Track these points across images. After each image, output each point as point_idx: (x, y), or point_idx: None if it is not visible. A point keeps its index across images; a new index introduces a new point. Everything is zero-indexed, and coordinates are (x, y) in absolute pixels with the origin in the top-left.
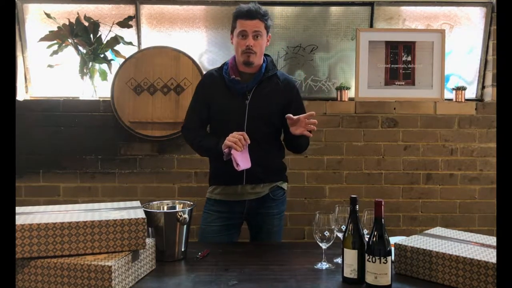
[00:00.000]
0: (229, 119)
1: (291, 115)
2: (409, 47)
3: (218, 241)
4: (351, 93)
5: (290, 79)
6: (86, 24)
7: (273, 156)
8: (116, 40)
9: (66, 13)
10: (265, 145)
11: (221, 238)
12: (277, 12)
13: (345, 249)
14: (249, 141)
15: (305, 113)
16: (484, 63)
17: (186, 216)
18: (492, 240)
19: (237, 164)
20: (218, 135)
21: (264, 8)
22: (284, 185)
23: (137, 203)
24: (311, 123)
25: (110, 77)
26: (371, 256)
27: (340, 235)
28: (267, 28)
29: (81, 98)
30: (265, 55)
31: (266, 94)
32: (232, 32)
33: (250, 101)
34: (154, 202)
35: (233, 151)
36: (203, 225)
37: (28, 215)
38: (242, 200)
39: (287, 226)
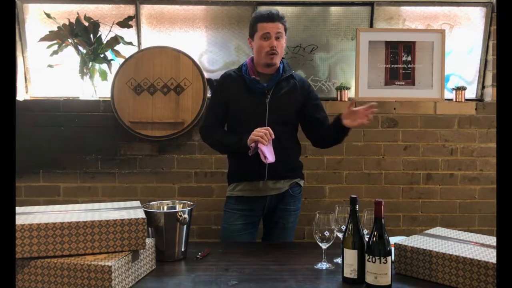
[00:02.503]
0: (250, 118)
1: (352, 108)
2: (409, 47)
3: (241, 239)
4: (351, 93)
5: (305, 79)
6: (86, 24)
7: (293, 153)
8: (116, 40)
9: (66, 13)
10: (285, 142)
11: (245, 236)
12: None
13: (345, 249)
14: (273, 136)
15: (323, 107)
16: (484, 63)
17: (186, 216)
18: (492, 240)
19: (265, 157)
20: (239, 133)
21: (281, 12)
22: (302, 183)
23: (137, 203)
24: (372, 111)
25: (110, 77)
26: (371, 256)
27: (340, 235)
28: (285, 30)
29: (81, 98)
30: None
31: (285, 93)
32: (251, 36)
33: (270, 100)
34: (154, 202)
35: (260, 145)
36: (225, 224)
37: (28, 215)
38: (263, 196)
39: None
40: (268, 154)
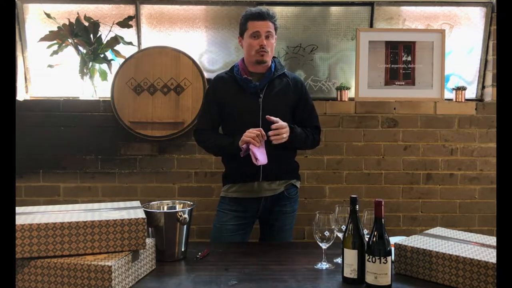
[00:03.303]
0: (244, 118)
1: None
2: (409, 47)
3: (233, 240)
4: (351, 93)
5: (298, 77)
6: (86, 24)
7: (288, 154)
8: (116, 40)
9: (66, 13)
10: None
11: (236, 237)
12: (277, 12)
13: (345, 249)
14: (265, 137)
15: (312, 109)
16: (484, 63)
17: (186, 216)
18: (492, 240)
19: (256, 159)
20: (232, 134)
21: (271, 11)
22: (298, 184)
23: (137, 203)
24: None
25: (110, 77)
26: (371, 256)
27: (340, 235)
28: (275, 29)
29: (81, 98)
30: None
31: (278, 92)
32: (241, 35)
33: (264, 99)
34: (154, 202)
35: (251, 147)
36: (217, 224)
37: (28, 215)
38: (258, 197)
39: None
40: (260, 156)
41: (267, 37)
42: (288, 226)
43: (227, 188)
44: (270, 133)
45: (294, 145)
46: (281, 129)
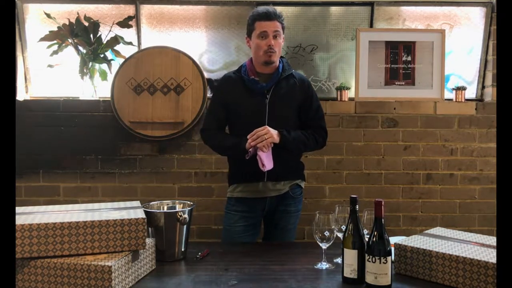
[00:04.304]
0: (250, 119)
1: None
2: (409, 47)
3: (243, 241)
4: (351, 93)
5: (304, 77)
6: (86, 24)
7: (293, 154)
8: (116, 40)
9: (66, 13)
10: None
11: (246, 238)
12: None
13: (345, 249)
14: (272, 145)
15: (318, 109)
16: (484, 63)
17: (186, 216)
18: (492, 240)
19: (263, 165)
20: (239, 135)
21: (278, 10)
22: (302, 184)
23: (137, 203)
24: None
25: (110, 77)
26: (371, 256)
27: (340, 235)
28: (283, 29)
29: (81, 98)
30: (280, 56)
31: (285, 93)
32: (249, 35)
33: (270, 100)
34: (154, 202)
35: (259, 152)
36: (227, 226)
37: (28, 215)
38: (263, 197)
39: None
40: (267, 162)
41: (274, 37)
42: (292, 225)
43: (232, 188)
44: (251, 142)
45: (290, 148)
46: (259, 132)
